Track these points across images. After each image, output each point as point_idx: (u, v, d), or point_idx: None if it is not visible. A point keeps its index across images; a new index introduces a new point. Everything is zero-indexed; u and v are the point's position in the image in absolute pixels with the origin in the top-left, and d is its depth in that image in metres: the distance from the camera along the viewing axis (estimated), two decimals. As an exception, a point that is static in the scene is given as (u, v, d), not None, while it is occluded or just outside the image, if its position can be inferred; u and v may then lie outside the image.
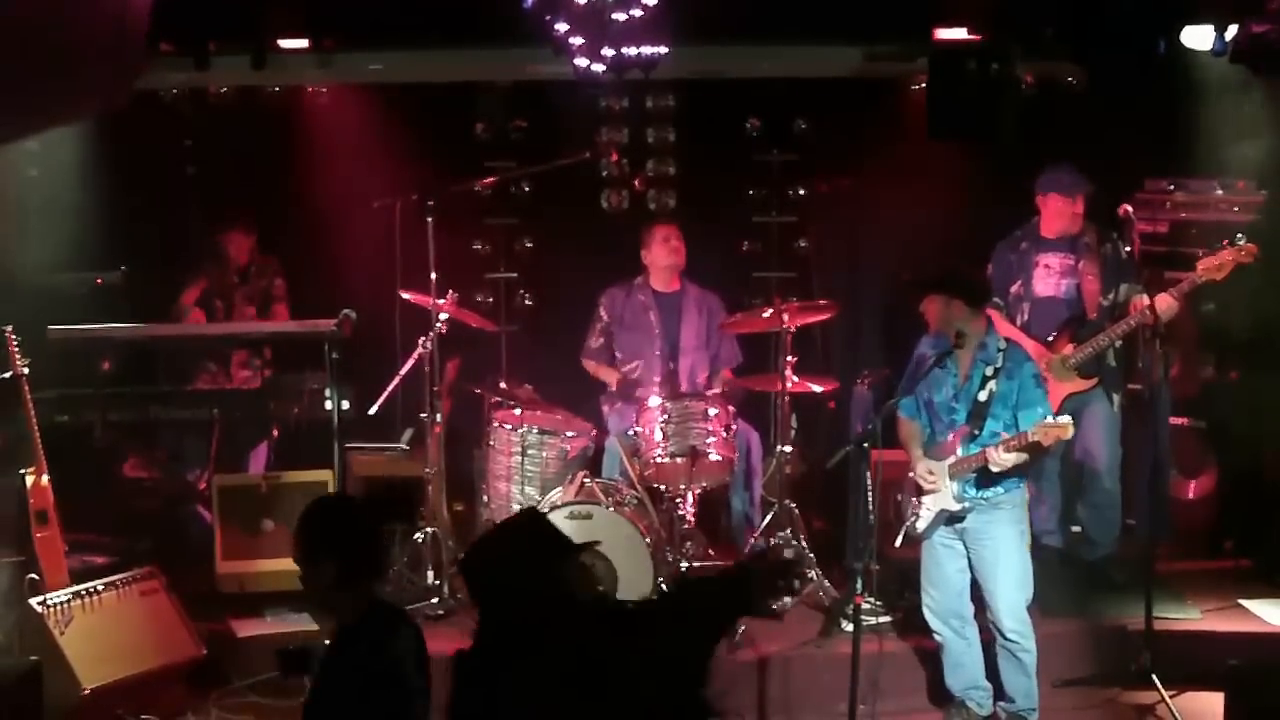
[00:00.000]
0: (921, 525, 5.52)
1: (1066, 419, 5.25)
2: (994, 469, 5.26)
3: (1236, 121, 7.00)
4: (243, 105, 8.01)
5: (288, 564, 4.13)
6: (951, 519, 5.45)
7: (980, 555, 5.47)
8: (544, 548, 3.37)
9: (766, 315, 6.55)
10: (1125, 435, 6.61)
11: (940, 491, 5.42)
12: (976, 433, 5.36)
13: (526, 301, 8.30)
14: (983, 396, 5.38)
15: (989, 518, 5.43)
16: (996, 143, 6.87)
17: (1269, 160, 7.01)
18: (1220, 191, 7.31)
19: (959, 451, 5.38)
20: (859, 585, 5.00)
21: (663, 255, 7.00)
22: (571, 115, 7.98)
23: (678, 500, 6.40)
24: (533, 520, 3.60)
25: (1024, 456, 5.25)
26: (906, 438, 5.62)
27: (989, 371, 5.38)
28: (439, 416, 6.55)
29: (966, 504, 5.39)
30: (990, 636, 5.55)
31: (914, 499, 5.54)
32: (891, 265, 8.11)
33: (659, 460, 6.37)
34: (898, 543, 5.69)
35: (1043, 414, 5.25)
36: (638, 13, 6.05)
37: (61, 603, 5.67)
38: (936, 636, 5.63)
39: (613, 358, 7.05)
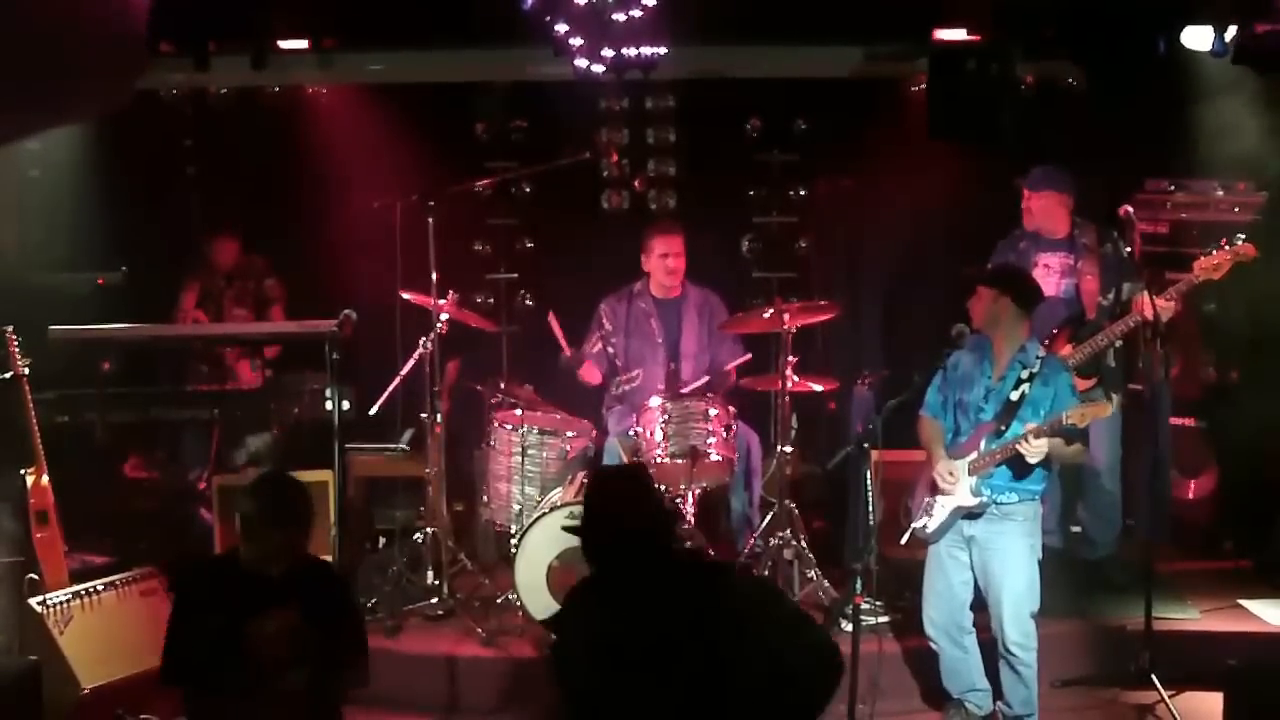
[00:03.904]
0: (933, 525, 5.50)
1: (1104, 400, 5.24)
2: (1028, 458, 5.22)
3: (1236, 122, 6.99)
4: (243, 105, 8.04)
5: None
6: (968, 515, 5.43)
7: (988, 567, 5.45)
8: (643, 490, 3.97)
9: (766, 315, 6.54)
10: (1125, 435, 6.61)
11: (957, 489, 5.41)
12: (1002, 429, 5.35)
13: (527, 302, 8.30)
14: (1014, 396, 5.37)
15: (1000, 529, 5.42)
16: (996, 143, 6.86)
17: (1269, 160, 7.01)
18: (1220, 192, 7.31)
19: (981, 447, 5.38)
20: (858, 585, 4.98)
21: (659, 272, 6.95)
22: (571, 115, 7.98)
23: (678, 500, 6.40)
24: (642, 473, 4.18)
25: (1058, 444, 5.23)
26: (929, 437, 5.60)
27: (1024, 375, 5.37)
28: (439, 417, 6.55)
29: (984, 499, 5.37)
30: (991, 638, 5.54)
31: (927, 498, 5.54)
32: (892, 265, 8.13)
33: (659, 460, 6.36)
34: (903, 540, 5.68)
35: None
36: (637, 13, 6.06)
37: (61, 603, 5.68)
38: (933, 645, 5.62)
39: (610, 365, 7.03)
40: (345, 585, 4.74)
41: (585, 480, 4.18)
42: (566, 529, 4.09)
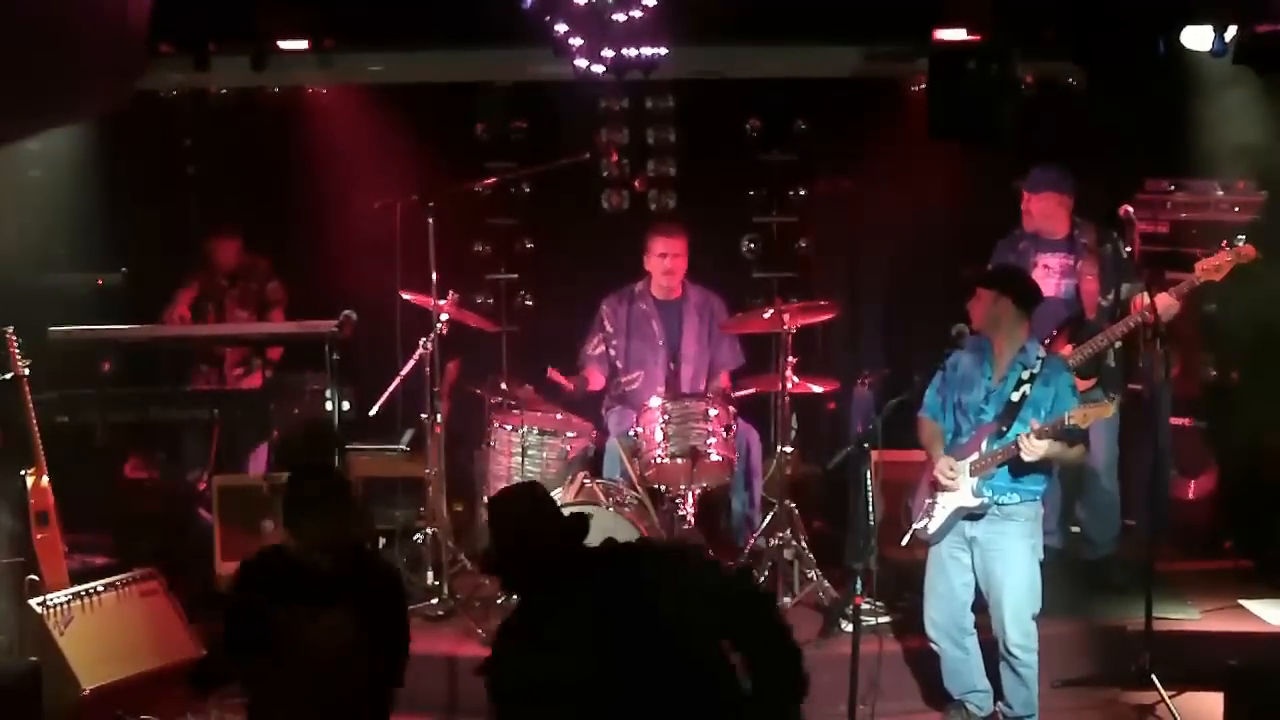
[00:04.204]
0: (934, 526, 5.49)
1: (1104, 400, 5.25)
2: (1026, 457, 5.21)
3: (1236, 122, 6.99)
4: (243, 105, 8.04)
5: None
6: (969, 516, 5.42)
7: (989, 568, 5.45)
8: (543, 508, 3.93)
9: (767, 316, 6.55)
10: (1125, 435, 6.61)
11: (958, 490, 5.41)
12: (1004, 430, 5.35)
13: (527, 302, 8.31)
14: (1015, 397, 5.36)
15: (1001, 530, 5.41)
16: (996, 143, 6.87)
17: (1269, 160, 7.01)
18: (1220, 192, 7.31)
19: (982, 448, 5.37)
20: (859, 585, 4.99)
21: (657, 273, 6.97)
22: (571, 116, 7.99)
23: (678, 501, 6.41)
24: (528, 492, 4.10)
25: (1057, 446, 5.23)
26: (929, 439, 5.60)
27: (1025, 375, 5.37)
28: (439, 417, 6.54)
29: (985, 500, 5.37)
30: (991, 639, 5.54)
31: (927, 499, 5.54)
32: (891, 265, 8.13)
33: (659, 461, 6.37)
34: (904, 541, 5.68)
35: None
36: (637, 13, 6.05)
37: (61, 603, 5.67)
38: (934, 646, 5.61)
39: (611, 366, 7.03)
40: (396, 581, 4.68)
41: (487, 511, 4.10)
42: (483, 567, 4.06)
